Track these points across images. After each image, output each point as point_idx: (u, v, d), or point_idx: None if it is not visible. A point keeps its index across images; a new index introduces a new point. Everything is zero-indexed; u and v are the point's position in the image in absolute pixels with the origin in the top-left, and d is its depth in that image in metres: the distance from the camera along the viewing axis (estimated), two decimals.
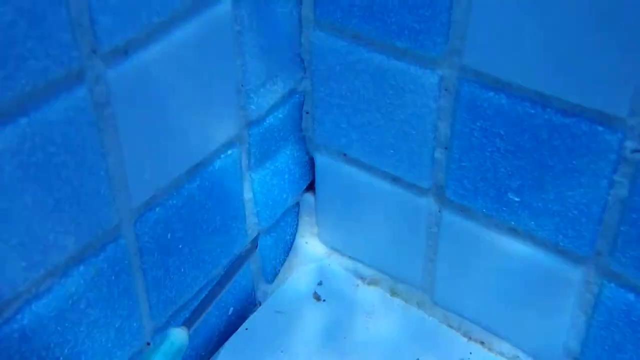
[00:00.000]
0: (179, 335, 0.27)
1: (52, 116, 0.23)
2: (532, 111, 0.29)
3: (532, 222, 0.31)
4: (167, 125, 0.28)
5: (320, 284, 0.41)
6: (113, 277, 0.28)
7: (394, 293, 0.40)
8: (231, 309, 0.38)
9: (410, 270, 0.38)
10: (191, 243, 0.33)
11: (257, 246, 0.35)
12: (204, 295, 0.30)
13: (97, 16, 0.23)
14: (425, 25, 0.29)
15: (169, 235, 0.31)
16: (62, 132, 0.24)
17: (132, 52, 0.25)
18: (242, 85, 0.31)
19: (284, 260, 0.42)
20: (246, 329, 0.39)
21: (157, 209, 0.30)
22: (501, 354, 0.36)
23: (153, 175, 0.28)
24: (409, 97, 0.32)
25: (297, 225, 0.42)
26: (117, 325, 0.29)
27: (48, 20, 0.22)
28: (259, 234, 0.37)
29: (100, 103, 0.25)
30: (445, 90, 0.31)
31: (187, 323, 0.28)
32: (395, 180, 0.36)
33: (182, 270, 0.33)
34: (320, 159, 0.39)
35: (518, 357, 0.35)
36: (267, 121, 0.35)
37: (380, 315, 0.39)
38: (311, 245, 0.43)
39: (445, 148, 0.32)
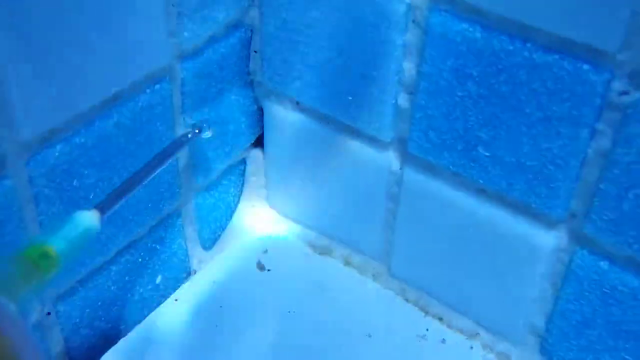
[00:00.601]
0: (85, 218, 0.21)
1: None
2: (511, 47, 0.24)
3: (503, 181, 0.27)
4: (71, 41, 0.23)
5: (265, 252, 0.37)
6: None
7: (347, 263, 0.36)
8: (160, 276, 0.33)
9: (366, 238, 0.34)
10: (104, 193, 0.28)
11: (200, 132, 0.29)
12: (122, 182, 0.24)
13: None
14: None
15: (75, 182, 0.26)
16: None
17: None
18: (172, 5, 0.27)
19: (226, 224, 0.38)
20: (176, 299, 0.34)
21: (58, 147, 0.25)
22: (460, 330, 0.32)
23: (50, 103, 0.23)
24: (371, 30, 0.27)
25: (242, 185, 0.38)
26: None
27: None
28: (204, 121, 0.31)
29: None
30: (413, 21, 0.26)
31: (100, 207, 0.23)
32: (353, 133, 0.31)
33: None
34: (270, 108, 0.34)
35: (478, 334, 0.32)
36: (205, 55, 0.30)
37: (331, 287, 0.35)
38: (258, 209, 0.39)
39: (410, 93, 0.28)
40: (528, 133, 0.25)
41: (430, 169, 0.29)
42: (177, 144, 0.29)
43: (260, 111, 0.36)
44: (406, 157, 0.30)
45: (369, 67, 0.29)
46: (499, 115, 0.26)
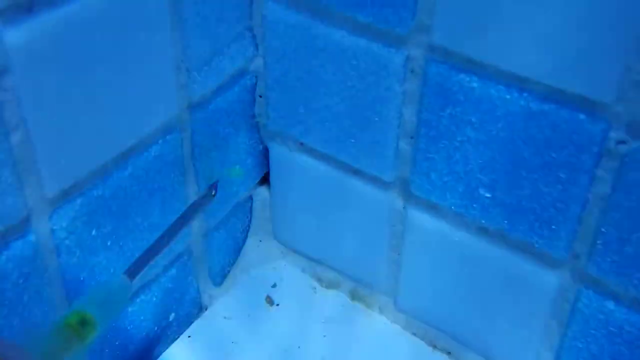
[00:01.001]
0: (117, 283, 0.23)
1: None
2: (507, 96, 0.26)
3: (505, 221, 0.28)
4: (88, 101, 0.25)
5: (274, 286, 0.38)
6: (21, 281, 0.24)
7: (354, 297, 0.37)
8: (172, 314, 0.35)
9: (372, 272, 0.36)
10: (121, 240, 0.29)
11: (215, 193, 0.31)
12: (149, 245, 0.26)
13: None
14: None
15: (93, 232, 0.27)
16: None
17: (39, 9, 0.21)
18: (182, 62, 0.28)
19: (234, 260, 0.39)
20: (189, 336, 0.35)
21: (78, 200, 0.26)
22: None
23: (72, 161, 0.25)
24: (371, 79, 0.29)
25: (249, 221, 0.39)
26: None
27: None
28: (217, 181, 0.33)
29: None
30: (412, 72, 0.28)
31: (129, 273, 0.24)
32: (356, 172, 0.33)
33: (112, 270, 0.29)
34: (276, 149, 0.36)
35: None
36: (214, 104, 0.31)
37: (339, 321, 0.36)
38: (265, 244, 0.40)
39: (411, 137, 0.30)
40: (528, 177, 0.27)
41: (433, 208, 0.31)
42: (196, 206, 0.30)
43: (266, 150, 0.37)
44: (409, 197, 0.31)
45: (370, 112, 0.30)
46: (498, 160, 0.27)
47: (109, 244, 0.28)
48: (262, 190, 0.39)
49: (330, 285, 0.38)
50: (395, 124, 0.29)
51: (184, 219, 0.28)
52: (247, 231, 0.39)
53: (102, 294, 0.22)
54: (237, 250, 0.39)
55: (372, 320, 0.36)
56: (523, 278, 0.29)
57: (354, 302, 0.37)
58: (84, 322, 0.20)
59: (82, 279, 0.28)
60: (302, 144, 0.34)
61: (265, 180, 0.38)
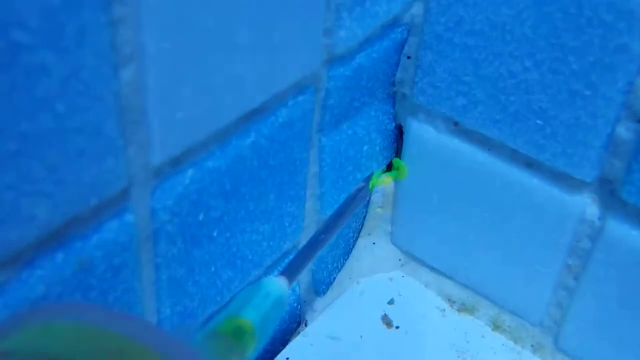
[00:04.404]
0: (276, 285, 0.20)
1: None
2: None
3: None
4: (220, 33, 0.19)
5: (391, 303, 0.32)
6: (108, 276, 0.19)
7: (497, 327, 0.31)
8: None
9: (526, 297, 0.29)
10: (229, 230, 0.23)
11: (371, 187, 0.28)
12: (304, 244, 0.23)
13: None
14: None
15: (201, 216, 0.21)
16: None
17: None
18: None
19: (342, 264, 0.33)
20: (287, 358, 0.30)
21: (189, 172, 0.20)
22: None
23: (190, 117, 0.19)
24: (596, 30, 0.22)
25: (363, 218, 0.33)
26: None
27: None
28: (372, 173, 0.29)
29: None
30: None
31: (287, 273, 0.22)
32: (531, 165, 0.26)
33: (213, 269, 0.24)
34: (416, 128, 0.29)
35: None
36: (357, 60, 0.25)
37: (475, 357, 0.30)
38: (379, 248, 0.33)
39: (638, 121, 0.23)
40: None
41: None
42: (353, 199, 0.27)
43: (397, 130, 0.31)
44: (612, 204, 0.24)
45: (580, 81, 0.23)
46: None
47: (215, 234, 0.23)
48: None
49: (463, 308, 0.31)
50: (620, 100, 0.22)
51: (341, 214, 0.25)
52: (360, 229, 0.33)
53: (258, 297, 0.19)
54: (346, 251, 0.33)
55: (521, 358, 0.30)
56: None
57: (497, 332, 0.30)
58: (241, 330, 0.18)
59: (178, 277, 0.22)
60: (456, 123, 0.28)
61: (390, 167, 0.32)
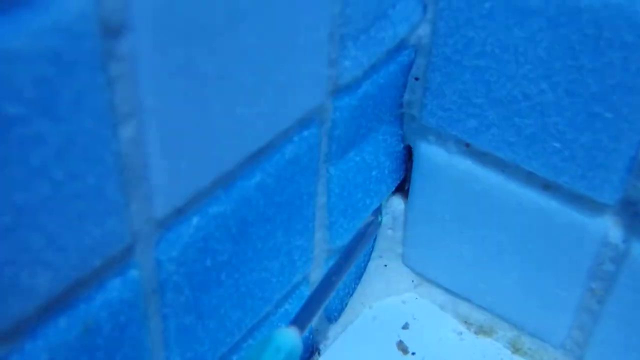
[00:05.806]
0: (286, 337, 0.20)
1: None
2: None
3: None
4: (221, 77, 0.18)
5: (406, 327, 0.31)
6: (116, 334, 0.18)
7: (517, 349, 0.30)
8: None
9: (548, 319, 0.28)
10: (237, 271, 0.23)
11: (382, 219, 0.28)
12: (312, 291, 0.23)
13: None
14: None
15: (208, 262, 0.21)
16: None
17: None
18: (338, 26, 0.21)
19: (353, 289, 0.32)
20: None
21: (194, 220, 0.20)
22: None
23: (193, 166, 0.18)
24: (613, 44, 0.22)
25: (374, 240, 0.33)
26: None
27: None
28: (381, 204, 0.29)
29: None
30: None
31: (297, 322, 0.22)
32: (549, 188, 0.26)
33: (223, 311, 0.23)
34: (426, 150, 0.28)
35: None
36: (363, 88, 0.24)
37: None
38: (391, 270, 0.33)
39: None
40: None
41: None
42: (362, 236, 0.27)
43: (406, 152, 0.30)
44: (637, 227, 0.24)
45: (600, 104, 0.23)
46: None
47: (222, 277, 0.22)
48: (395, 202, 0.32)
49: (481, 330, 0.31)
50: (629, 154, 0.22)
51: (350, 252, 0.25)
52: (371, 252, 0.33)
53: (269, 351, 0.20)
54: (357, 275, 0.32)
55: None
56: None
57: (517, 355, 0.30)
58: None
59: (187, 325, 0.22)
60: (468, 145, 0.27)
61: (399, 189, 0.32)
